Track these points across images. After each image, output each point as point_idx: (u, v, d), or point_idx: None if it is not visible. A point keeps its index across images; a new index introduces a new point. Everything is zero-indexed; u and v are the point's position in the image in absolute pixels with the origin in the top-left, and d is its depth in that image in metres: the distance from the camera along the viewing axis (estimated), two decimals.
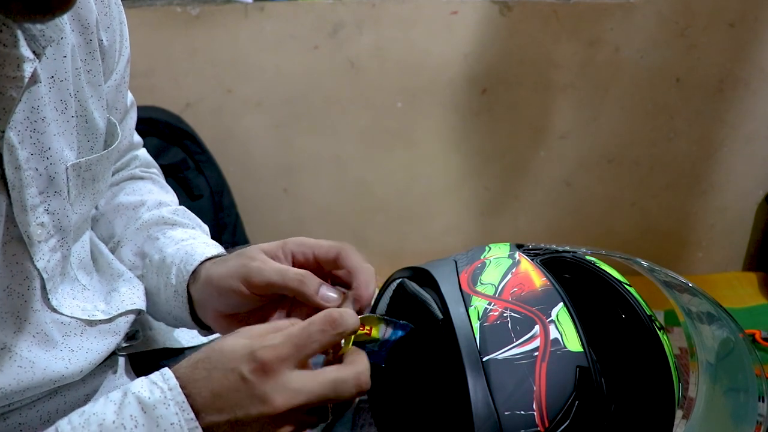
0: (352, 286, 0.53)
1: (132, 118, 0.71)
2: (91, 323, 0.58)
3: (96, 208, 0.71)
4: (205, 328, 0.61)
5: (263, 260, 0.54)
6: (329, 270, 0.56)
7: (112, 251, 0.68)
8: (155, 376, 0.45)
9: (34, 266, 0.52)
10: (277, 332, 0.45)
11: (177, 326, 0.65)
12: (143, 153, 0.76)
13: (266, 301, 0.56)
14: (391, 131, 1.49)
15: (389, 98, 1.46)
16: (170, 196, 0.73)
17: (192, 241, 0.63)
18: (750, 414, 0.53)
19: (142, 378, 0.45)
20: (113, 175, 0.72)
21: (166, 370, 0.45)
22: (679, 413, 0.54)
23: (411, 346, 0.57)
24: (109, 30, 0.60)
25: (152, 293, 0.63)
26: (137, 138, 0.75)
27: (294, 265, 0.55)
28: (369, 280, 0.53)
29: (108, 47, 0.60)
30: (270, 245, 0.56)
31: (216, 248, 0.62)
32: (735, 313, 0.57)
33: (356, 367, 0.45)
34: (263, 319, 0.57)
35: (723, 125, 1.49)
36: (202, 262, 0.59)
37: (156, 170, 0.77)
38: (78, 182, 0.56)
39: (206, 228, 0.70)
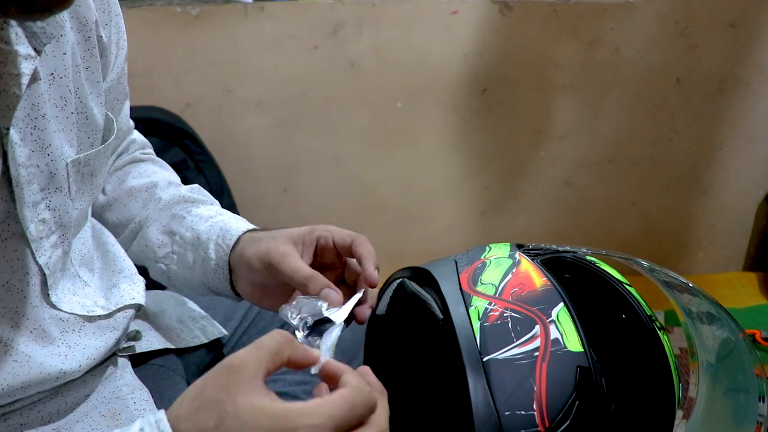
0: (360, 274, 0.59)
1: (127, 105, 0.73)
2: (90, 319, 0.58)
3: (103, 192, 0.73)
4: (239, 295, 0.67)
5: (285, 252, 0.59)
6: (346, 256, 0.62)
7: (134, 233, 0.72)
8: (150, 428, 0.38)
9: (36, 262, 0.52)
10: (315, 405, 0.39)
11: (211, 294, 0.70)
12: (138, 135, 0.79)
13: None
14: (391, 131, 1.49)
15: (389, 98, 1.46)
16: (174, 175, 0.78)
17: (221, 217, 0.69)
18: (750, 414, 0.53)
19: (137, 426, 0.39)
20: (116, 159, 0.75)
21: (164, 424, 0.38)
22: (679, 413, 0.54)
23: (412, 347, 0.57)
24: (107, 26, 0.60)
25: (185, 268, 0.68)
26: (130, 123, 0.77)
27: (317, 249, 0.62)
28: (371, 267, 0.59)
29: (107, 43, 0.60)
30: (299, 232, 0.62)
31: (246, 222, 0.68)
32: (735, 313, 0.57)
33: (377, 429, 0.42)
34: (288, 294, 0.63)
35: (723, 125, 1.49)
36: (240, 236, 0.65)
37: (150, 150, 0.81)
38: (78, 178, 0.56)
39: (218, 203, 0.75)
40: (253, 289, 0.64)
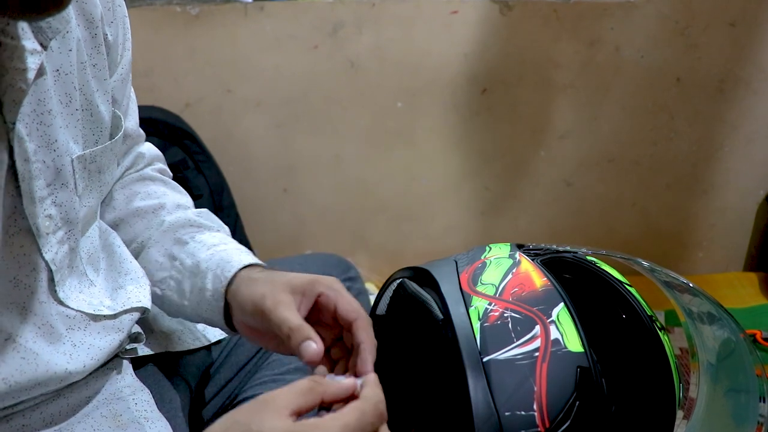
0: (352, 359, 0.54)
1: (134, 111, 0.72)
2: (96, 318, 0.58)
3: (113, 207, 0.72)
4: (233, 330, 0.64)
5: (280, 301, 0.55)
6: (345, 329, 0.56)
7: (136, 253, 0.70)
8: None
9: (42, 258, 0.52)
10: (329, 419, 0.42)
11: (205, 324, 0.67)
12: (148, 148, 0.77)
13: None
14: (391, 131, 1.49)
15: (389, 98, 1.46)
16: (185, 197, 0.75)
17: (224, 246, 0.66)
18: (751, 414, 0.53)
19: None
20: (123, 174, 0.74)
21: None
22: (679, 414, 0.53)
23: (412, 347, 0.57)
24: (113, 25, 0.60)
25: (180, 296, 0.66)
26: (140, 131, 0.75)
27: (316, 305, 0.57)
28: (370, 360, 0.52)
29: (113, 42, 0.61)
30: (300, 281, 0.57)
31: (248, 255, 0.64)
32: (736, 314, 0.57)
33: None
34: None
35: (723, 125, 1.49)
36: (239, 270, 0.62)
37: (162, 164, 0.78)
38: (84, 174, 0.56)
39: (227, 229, 0.72)
40: (246, 328, 0.61)
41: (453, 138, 1.51)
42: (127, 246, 0.71)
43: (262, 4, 1.37)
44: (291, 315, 0.54)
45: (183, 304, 0.66)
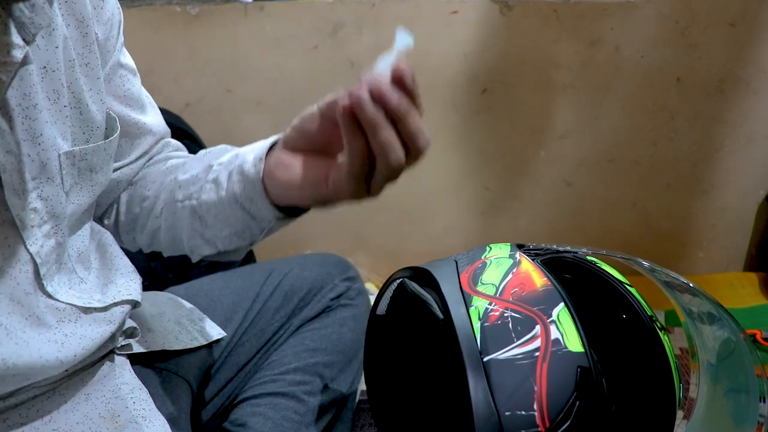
0: None
1: (153, 107, 0.74)
2: (86, 310, 0.58)
3: (144, 176, 0.73)
4: (271, 203, 0.62)
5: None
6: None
7: (167, 187, 0.69)
8: None
9: (27, 250, 0.53)
10: None
11: (243, 218, 0.64)
12: (175, 141, 0.80)
13: (330, 135, 0.60)
14: None
15: None
16: None
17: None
18: (751, 415, 0.53)
19: None
20: (149, 160, 0.75)
21: None
22: (679, 414, 0.53)
23: (412, 347, 0.57)
24: (105, 24, 0.60)
25: (218, 189, 0.64)
26: (167, 127, 0.77)
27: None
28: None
29: (104, 41, 0.61)
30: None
31: None
32: (736, 314, 0.57)
33: None
34: (320, 163, 0.60)
35: (723, 125, 1.49)
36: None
37: (185, 151, 0.80)
38: (73, 171, 0.56)
39: None
40: (290, 156, 0.61)
41: (453, 138, 1.51)
42: (154, 197, 0.70)
43: (262, 4, 1.37)
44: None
45: (220, 198, 0.64)
